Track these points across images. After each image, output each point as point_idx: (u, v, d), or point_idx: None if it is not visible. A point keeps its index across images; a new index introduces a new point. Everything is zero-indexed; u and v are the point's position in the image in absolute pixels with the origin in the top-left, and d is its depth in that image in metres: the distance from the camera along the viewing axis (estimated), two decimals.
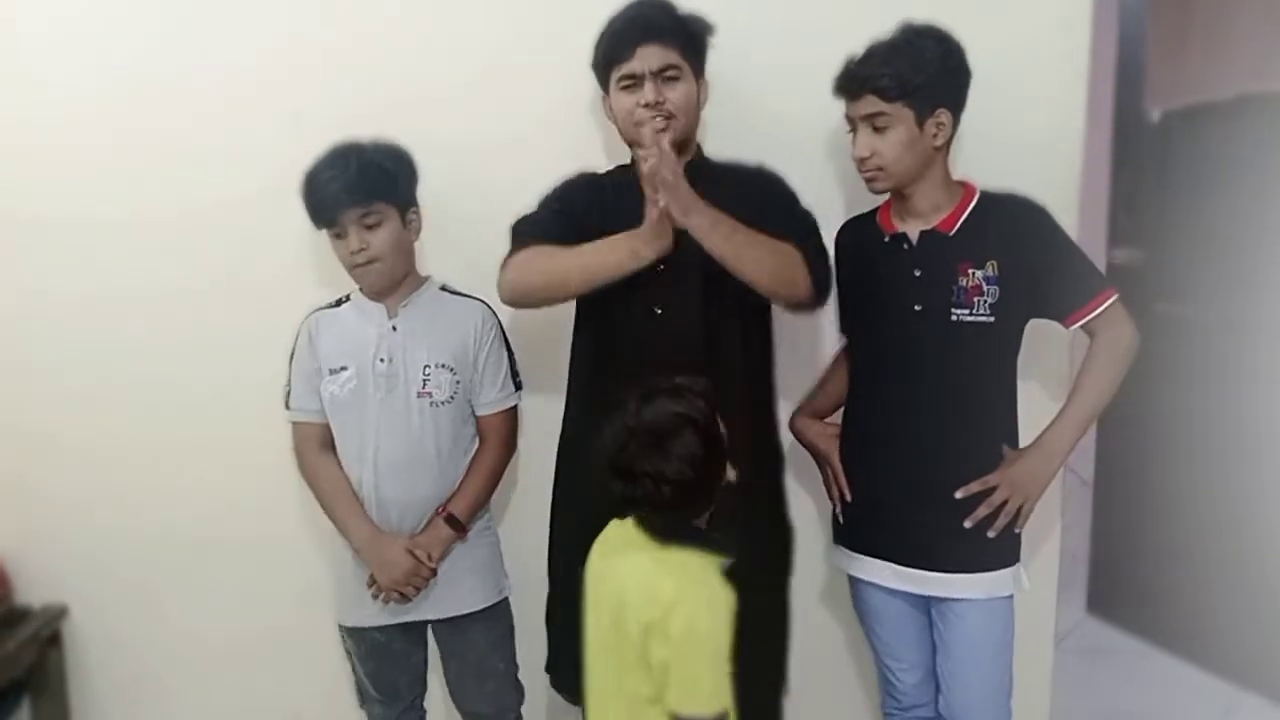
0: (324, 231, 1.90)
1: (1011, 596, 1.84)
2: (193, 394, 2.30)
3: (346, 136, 1.88)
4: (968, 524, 1.78)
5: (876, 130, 1.74)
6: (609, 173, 1.97)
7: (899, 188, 1.79)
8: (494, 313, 1.98)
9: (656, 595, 1.48)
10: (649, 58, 1.78)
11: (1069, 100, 2.07)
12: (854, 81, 1.74)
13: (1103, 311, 1.76)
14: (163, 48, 2.20)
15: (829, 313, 1.92)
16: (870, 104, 1.72)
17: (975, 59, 1.76)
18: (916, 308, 1.78)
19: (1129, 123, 2.94)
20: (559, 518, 2.00)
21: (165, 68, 2.20)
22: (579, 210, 1.87)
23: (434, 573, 1.92)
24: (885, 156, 1.74)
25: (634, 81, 1.79)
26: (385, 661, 2.02)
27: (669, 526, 1.53)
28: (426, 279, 1.99)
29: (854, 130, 1.78)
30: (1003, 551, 1.82)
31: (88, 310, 2.30)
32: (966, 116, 1.79)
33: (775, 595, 1.96)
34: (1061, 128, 2.08)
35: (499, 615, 2.04)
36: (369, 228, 1.86)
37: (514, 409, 2.01)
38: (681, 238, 1.74)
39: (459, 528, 1.93)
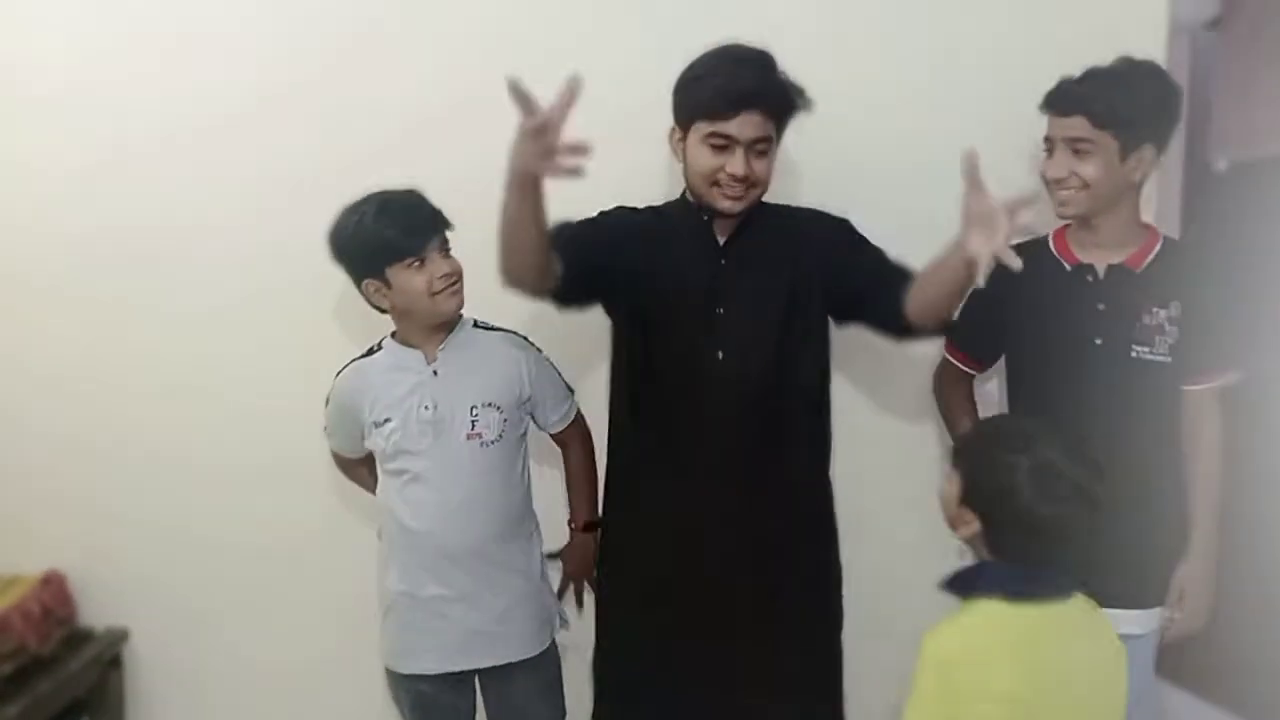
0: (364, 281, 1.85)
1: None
2: (256, 421, 2.36)
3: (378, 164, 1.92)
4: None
5: (1077, 154, 1.72)
6: (660, 208, 1.92)
7: (1088, 215, 1.77)
8: (528, 339, 2.00)
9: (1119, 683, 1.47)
10: (747, 127, 1.69)
11: None
12: (1067, 100, 1.73)
13: (1217, 385, 1.78)
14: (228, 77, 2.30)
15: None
16: (1078, 126, 1.71)
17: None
18: (1097, 341, 1.78)
19: (1199, 172, 2.87)
20: (611, 581, 1.99)
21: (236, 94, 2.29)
22: (622, 223, 1.84)
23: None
24: (1082, 180, 1.73)
25: (725, 142, 1.70)
26: (431, 713, 1.99)
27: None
28: (460, 317, 1.93)
29: (1051, 151, 1.77)
30: (1159, 588, 1.84)
31: (157, 337, 2.37)
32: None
33: (831, 639, 1.93)
34: None
35: (546, 662, 2.01)
36: (446, 255, 1.85)
37: (578, 410, 2.06)
38: (736, 275, 1.73)
39: (595, 527, 2.05)
